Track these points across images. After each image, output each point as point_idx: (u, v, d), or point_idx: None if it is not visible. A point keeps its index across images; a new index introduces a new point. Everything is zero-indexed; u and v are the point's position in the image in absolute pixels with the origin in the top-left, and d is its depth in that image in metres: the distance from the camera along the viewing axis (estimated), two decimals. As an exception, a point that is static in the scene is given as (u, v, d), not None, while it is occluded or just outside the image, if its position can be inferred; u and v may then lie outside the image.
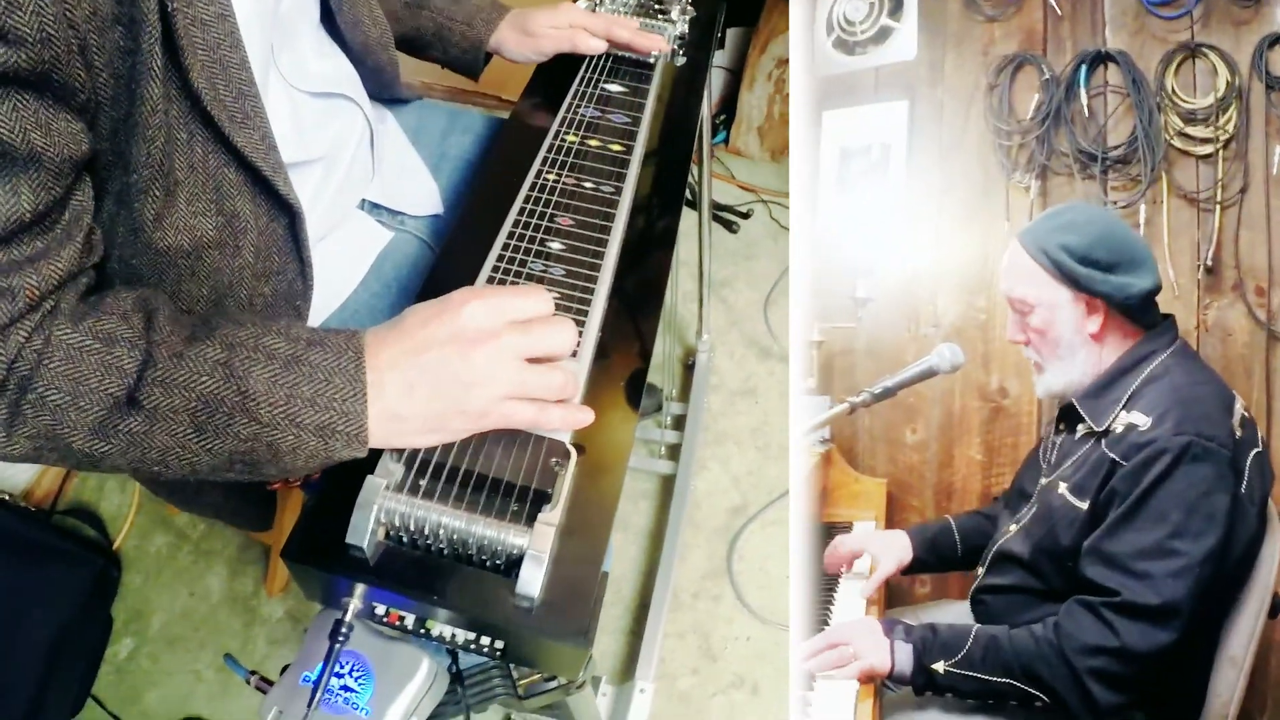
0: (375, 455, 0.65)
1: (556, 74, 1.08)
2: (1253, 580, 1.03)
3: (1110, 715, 1.01)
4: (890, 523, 1.59)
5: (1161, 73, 1.27)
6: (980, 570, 1.24)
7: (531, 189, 0.89)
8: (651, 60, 1.08)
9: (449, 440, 0.66)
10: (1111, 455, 1.04)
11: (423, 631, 0.67)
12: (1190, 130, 1.26)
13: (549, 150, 0.94)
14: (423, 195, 1.06)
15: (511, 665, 0.78)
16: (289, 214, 0.78)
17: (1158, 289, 1.08)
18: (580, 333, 0.75)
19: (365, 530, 0.61)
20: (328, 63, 0.92)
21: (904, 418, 1.63)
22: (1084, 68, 1.31)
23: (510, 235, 0.84)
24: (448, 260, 0.88)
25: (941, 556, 1.38)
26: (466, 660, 0.82)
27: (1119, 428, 1.06)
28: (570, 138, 0.96)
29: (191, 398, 0.60)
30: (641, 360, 0.79)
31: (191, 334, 0.62)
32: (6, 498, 1.56)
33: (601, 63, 1.08)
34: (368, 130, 0.95)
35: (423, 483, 0.65)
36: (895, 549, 1.37)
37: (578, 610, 0.62)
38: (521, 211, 0.86)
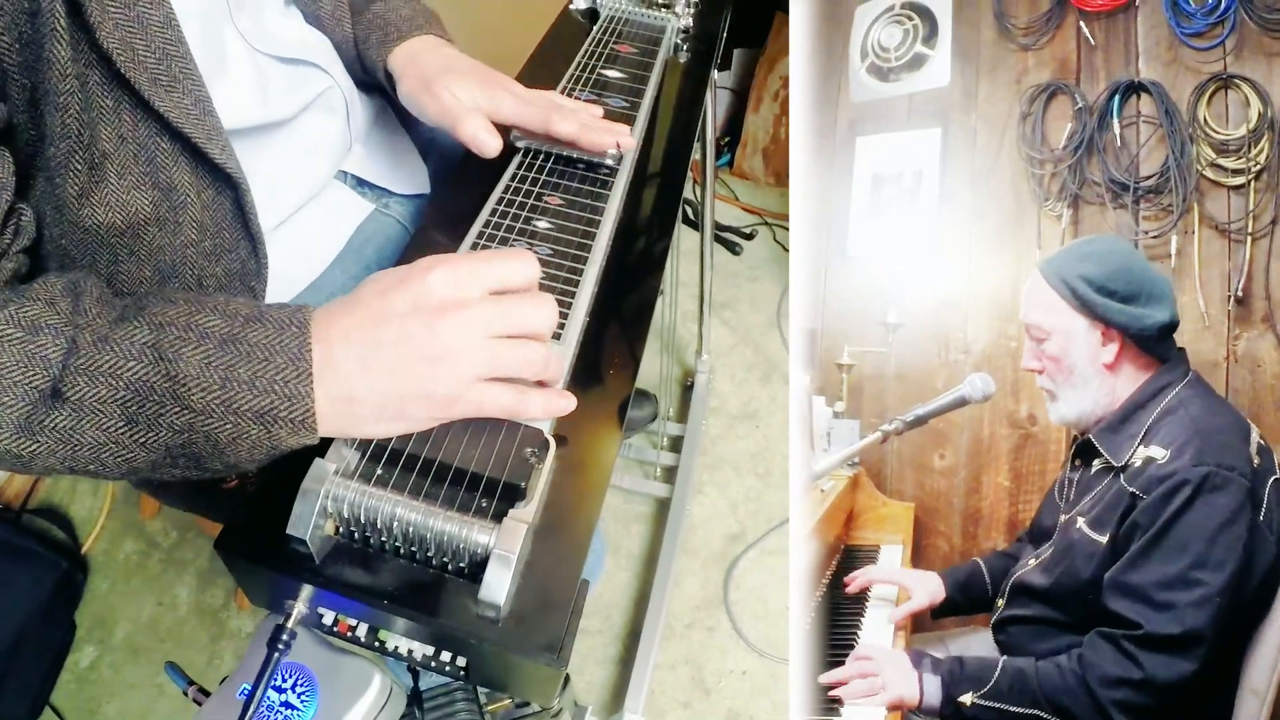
0: (330, 440, 0.57)
1: (554, 60, 1.02)
2: (1273, 610, 1.03)
3: None
4: (917, 548, 1.59)
5: (1194, 103, 1.27)
6: (1000, 602, 1.25)
7: (519, 167, 0.83)
8: (607, 161, 0.83)
9: (412, 430, 0.58)
10: (1131, 489, 1.05)
11: (377, 645, 0.59)
12: (1222, 161, 1.25)
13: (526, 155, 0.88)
14: (410, 174, 0.99)
15: (478, 687, 0.70)
16: (233, 188, 0.72)
17: (1174, 324, 1.08)
18: (566, 314, 0.68)
19: (309, 520, 0.53)
20: (291, 26, 0.86)
21: (933, 443, 1.61)
22: (1117, 97, 1.32)
23: (493, 213, 0.77)
24: (424, 236, 0.81)
25: (972, 598, 1.41)
26: (430, 681, 0.74)
27: (1137, 461, 1.07)
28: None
29: (119, 386, 0.52)
30: (632, 347, 0.72)
31: (120, 315, 0.55)
32: (-30, 494, 1.49)
33: (600, 48, 1.02)
34: (343, 103, 0.89)
35: (378, 470, 0.57)
36: (928, 587, 1.40)
37: (551, 623, 0.54)
38: (507, 189, 0.80)
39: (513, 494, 0.56)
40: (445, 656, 0.57)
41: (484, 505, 0.56)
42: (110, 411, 0.52)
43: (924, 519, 1.65)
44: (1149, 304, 1.07)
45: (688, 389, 2.00)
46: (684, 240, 2.22)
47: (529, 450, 0.58)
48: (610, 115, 0.89)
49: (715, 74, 1.24)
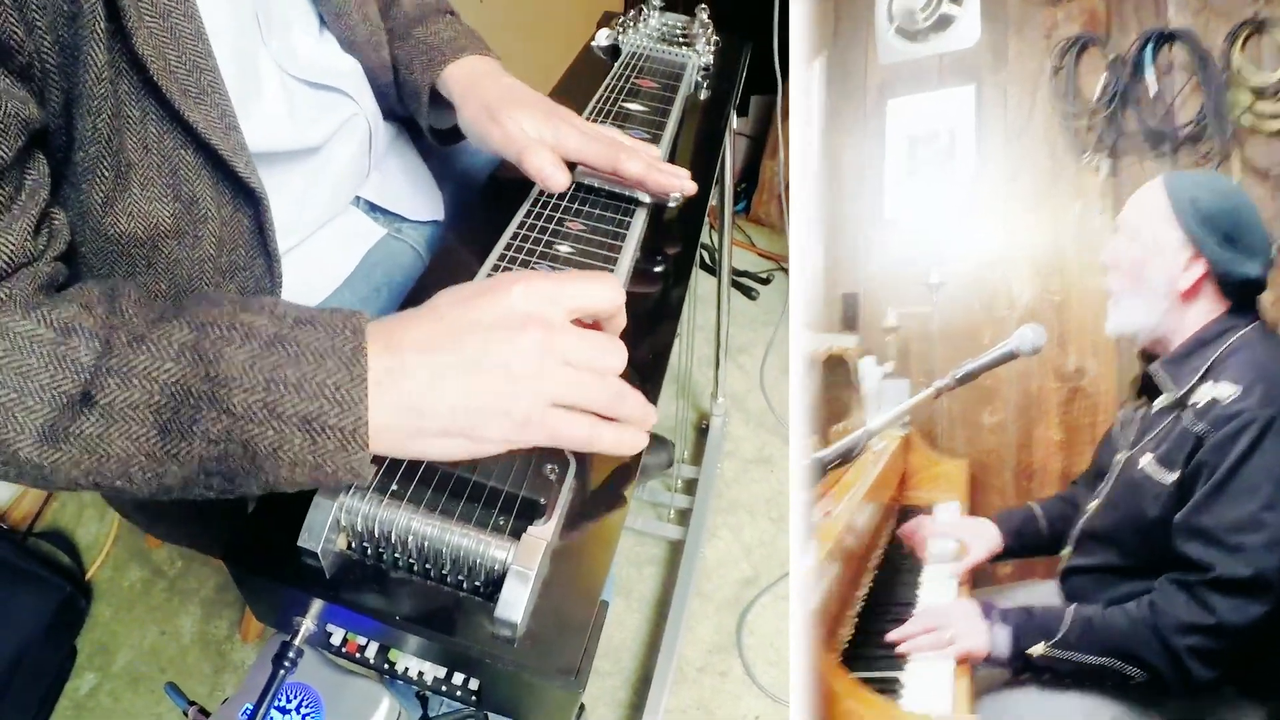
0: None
1: (575, 94, 1.01)
2: (1341, 550, 1.02)
3: (1205, 690, 1.01)
4: (974, 505, 1.56)
5: (1228, 49, 1.25)
6: (1068, 550, 1.25)
7: (540, 191, 0.82)
8: (670, 204, 0.85)
9: (475, 454, 0.53)
10: (1197, 428, 1.04)
11: (386, 666, 0.57)
12: (1260, 106, 1.25)
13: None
14: (425, 201, 0.99)
15: (490, 717, 0.68)
16: (254, 204, 0.71)
17: (1261, 284, 1.09)
18: None
19: (321, 532, 0.52)
20: (324, 52, 0.85)
21: (982, 400, 1.60)
22: (1149, 47, 1.31)
23: (514, 237, 0.76)
24: (442, 262, 0.80)
25: (1027, 544, 1.40)
26: (440, 709, 0.72)
27: (1202, 400, 1.06)
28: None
29: (154, 389, 0.49)
30: (651, 376, 0.70)
31: (160, 315, 0.52)
32: (-23, 514, 1.48)
33: (622, 83, 1.02)
34: (368, 133, 0.89)
35: (393, 485, 0.55)
36: (985, 537, 1.40)
37: (569, 644, 0.52)
38: (528, 214, 0.79)
39: (531, 511, 0.55)
40: (457, 679, 0.56)
41: (501, 522, 0.54)
42: (142, 418, 0.49)
43: (978, 476, 1.64)
44: (1244, 254, 1.07)
45: (702, 432, 1.98)
46: (700, 285, 2.22)
47: (549, 467, 0.56)
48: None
49: (734, 115, 1.24)
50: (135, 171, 0.63)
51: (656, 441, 1.84)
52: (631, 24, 1.12)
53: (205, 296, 0.55)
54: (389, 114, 0.95)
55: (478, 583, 0.53)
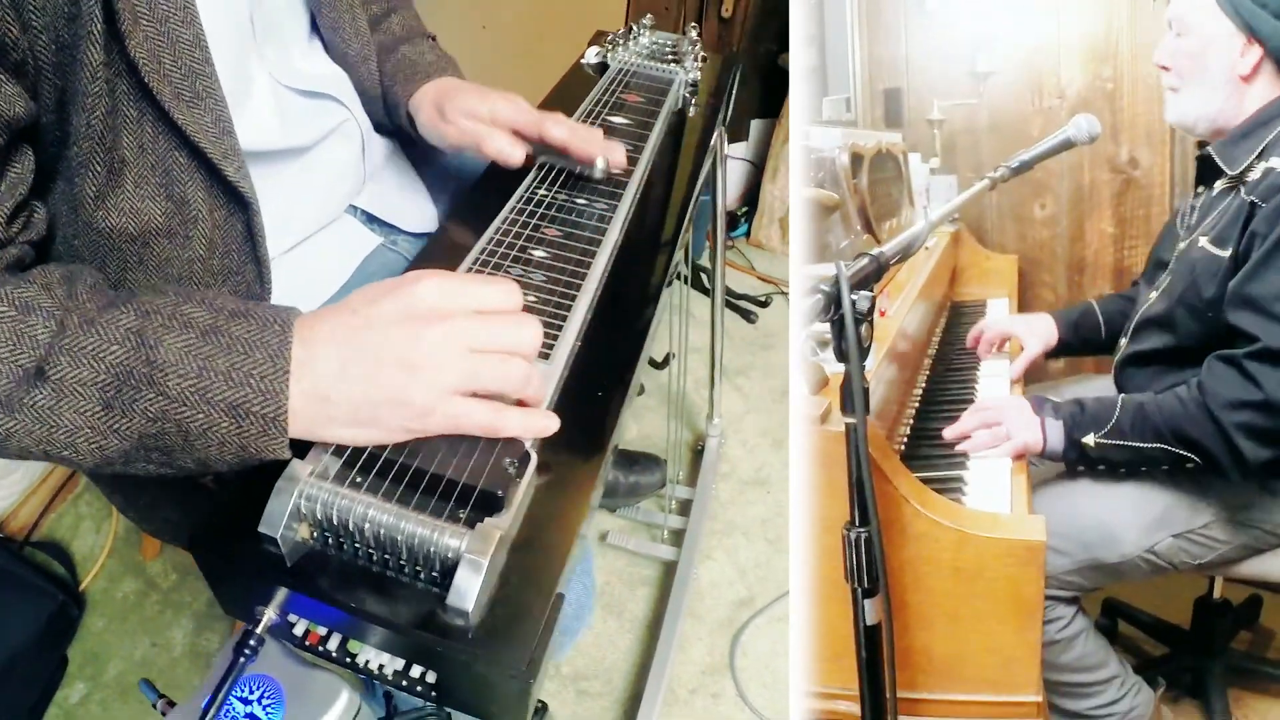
0: (309, 447, 0.57)
1: (561, 109, 1.03)
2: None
3: (1257, 472, 1.02)
4: (1023, 300, 1.54)
5: None
6: (1123, 342, 1.26)
7: (520, 200, 0.84)
8: (595, 173, 0.88)
9: (382, 440, 0.57)
10: (1251, 199, 1.04)
11: (348, 660, 0.58)
12: None
13: (542, 169, 0.90)
14: (420, 213, 1.01)
15: (451, 714, 0.68)
16: (245, 209, 0.73)
17: None
18: (556, 334, 0.68)
19: (280, 519, 0.52)
20: (316, 64, 0.89)
21: (1032, 193, 1.57)
22: None
23: (489, 240, 0.78)
24: (421, 263, 0.82)
25: (1085, 339, 1.42)
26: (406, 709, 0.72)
27: (1257, 173, 1.07)
28: None
29: (100, 369, 0.54)
30: (622, 374, 0.71)
31: (110, 302, 0.57)
32: (-25, 521, 1.50)
33: (607, 96, 1.03)
34: (360, 138, 0.91)
35: (355, 475, 0.56)
36: (1041, 332, 1.41)
37: (522, 635, 0.53)
38: (505, 220, 0.81)
39: (490, 503, 0.55)
40: (415, 672, 0.56)
41: (460, 514, 0.55)
42: (89, 395, 0.53)
43: (1028, 271, 1.62)
44: None
45: (698, 453, 1.98)
46: (697, 307, 2.23)
47: (509, 461, 0.57)
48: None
49: (725, 135, 1.26)
50: (129, 169, 0.66)
51: (649, 461, 1.84)
52: (621, 41, 1.14)
53: (154, 287, 0.58)
54: (380, 126, 0.97)
55: (434, 572, 0.54)
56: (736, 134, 2.51)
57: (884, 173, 1.55)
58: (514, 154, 0.86)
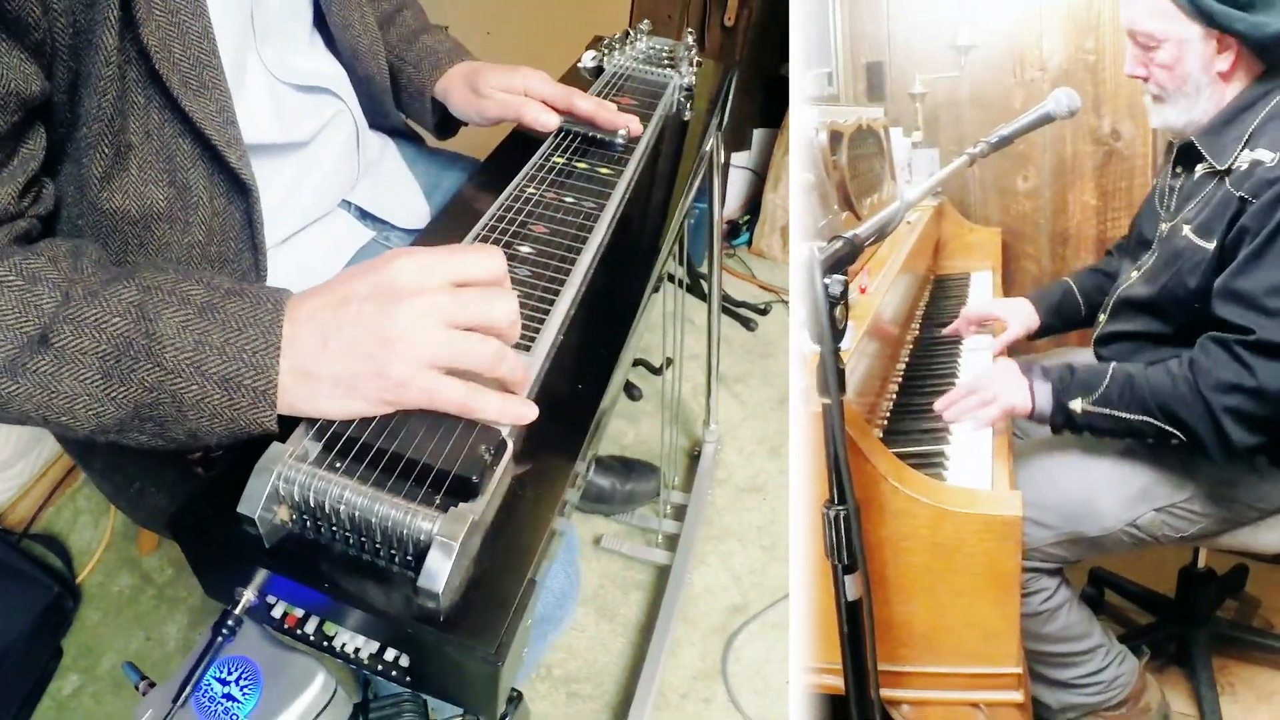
0: (290, 431, 0.58)
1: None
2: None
3: (1241, 455, 1.02)
4: (1007, 273, 1.53)
5: None
6: (1102, 318, 1.25)
7: (508, 198, 0.86)
8: (619, 140, 0.97)
9: (365, 411, 0.59)
10: (1239, 193, 1.03)
11: (325, 643, 0.59)
12: None
13: (534, 167, 0.92)
14: (412, 210, 1.03)
15: (427, 701, 0.69)
16: (245, 197, 0.75)
17: None
18: (539, 326, 0.69)
19: (259, 499, 0.53)
20: (316, 61, 0.91)
21: (1015, 166, 1.56)
22: None
23: (475, 236, 0.79)
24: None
25: (1067, 319, 1.42)
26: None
27: (1243, 165, 1.06)
28: (557, 159, 0.94)
29: (101, 339, 0.56)
30: (603, 368, 0.72)
31: (113, 276, 0.59)
32: (-27, 511, 1.51)
33: (609, 88, 1.05)
34: (354, 131, 0.93)
35: (334, 459, 0.57)
36: (1022, 315, 1.41)
37: (492, 619, 0.53)
38: (493, 217, 0.83)
39: (464, 488, 0.56)
40: (390, 656, 0.57)
41: (435, 499, 0.56)
42: (89, 363, 0.55)
43: (1012, 243, 1.61)
44: (1267, 10, 1.05)
45: (694, 459, 1.98)
46: (696, 313, 2.23)
47: (485, 448, 0.58)
48: (605, 157, 0.95)
49: (722, 141, 1.26)
50: (135, 153, 0.68)
51: (645, 469, 1.85)
52: (618, 46, 1.15)
53: (154, 264, 0.60)
54: (376, 123, 0.99)
55: (408, 555, 0.55)
56: (739, 143, 2.52)
57: (865, 148, 1.55)
58: (550, 121, 0.96)
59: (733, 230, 2.60)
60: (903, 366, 1.37)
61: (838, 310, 0.75)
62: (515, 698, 0.66)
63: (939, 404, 1.15)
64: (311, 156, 0.89)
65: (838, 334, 0.75)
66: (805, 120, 1.31)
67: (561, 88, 0.98)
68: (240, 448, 0.60)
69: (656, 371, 2.16)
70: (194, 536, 0.57)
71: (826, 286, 0.74)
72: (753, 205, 2.59)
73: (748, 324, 2.34)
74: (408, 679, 0.58)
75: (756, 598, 1.74)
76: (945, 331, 1.51)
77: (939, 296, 1.66)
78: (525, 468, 0.62)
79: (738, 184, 2.60)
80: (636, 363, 2.16)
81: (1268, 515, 1.17)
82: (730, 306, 2.36)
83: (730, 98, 1.25)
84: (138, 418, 0.58)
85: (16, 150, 0.62)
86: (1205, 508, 1.13)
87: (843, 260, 0.80)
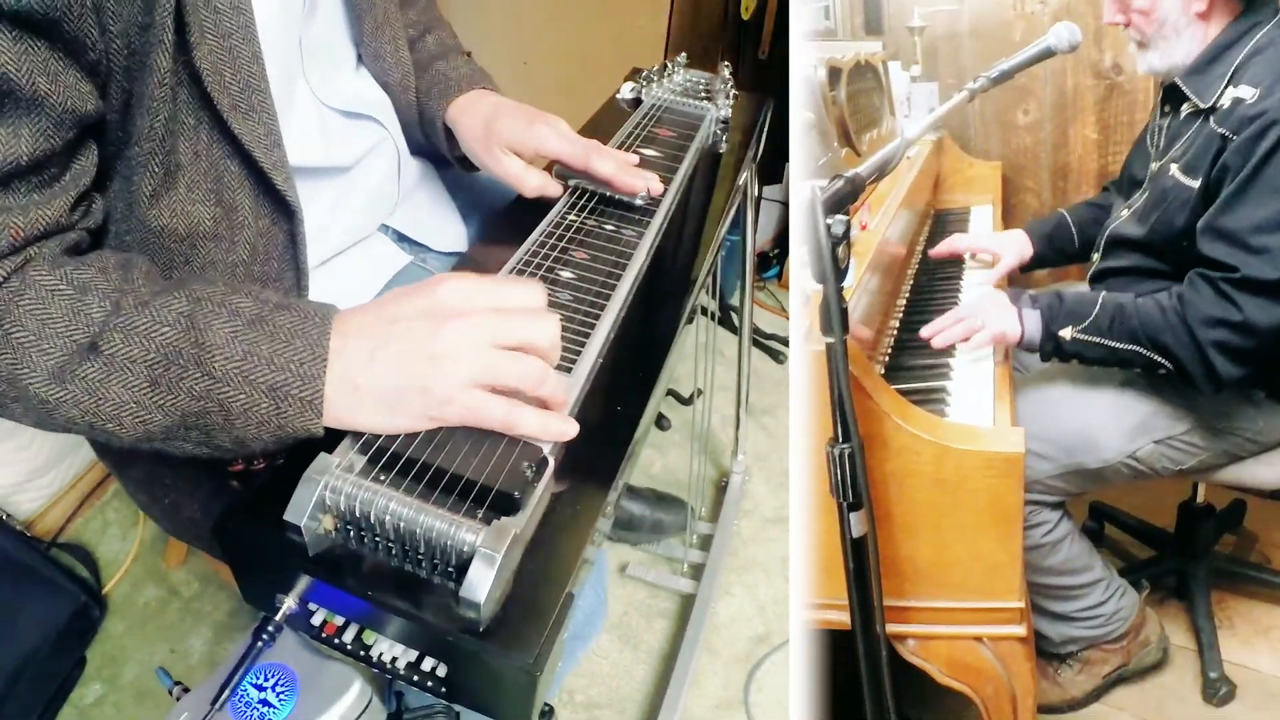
0: (337, 442, 0.59)
1: (598, 139, 1.06)
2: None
3: (1231, 386, 1.03)
4: (1007, 207, 1.50)
5: None
6: (1095, 256, 1.26)
7: (550, 223, 0.87)
8: (638, 202, 0.92)
9: (408, 427, 0.60)
10: (1221, 131, 1.04)
11: (362, 652, 0.59)
12: None
13: (573, 194, 0.93)
14: (450, 233, 1.04)
15: (460, 713, 0.69)
16: (289, 218, 0.77)
17: None
18: (580, 347, 0.70)
19: (305, 508, 0.54)
20: (362, 87, 0.93)
21: (1016, 99, 1.54)
22: None
23: (518, 261, 0.81)
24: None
25: (1059, 250, 1.43)
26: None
27: (1225, 102, 1.06)
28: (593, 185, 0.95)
29: (150, 348, 0.57)
30: (643, 391, 0.73)
31: (163, 288, 0.61)
32: (4, 516, 1.53)
33: (639, 130, 1.06)
34: (396, 157, 0.94)
35: (379, 472, 0.58)
36: (1015, 245, 1.42)
37: (531, 631, 0.54)
38: (535, 241, 0.84)
39: (506, 504, 0.57)
40: (427, 665, 0.57)
41: (477, 512, 0.57)
42: (138, 371, 0.57)
43: (1012, 177, 1.59)
44: None
45: (721, 489, 1.98)
46: (726, 345, 2.24)
47: (526, 464, 0.59)
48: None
49: (756, 174, 1.27)
50: (183, 173, 0.70)
51: (674, 502, 1.85)
52: (656, 78, 1.17)
53: (203, 277, 0.61)
54: (417, 150, 1.01)
55: (450, 566, 0.55)
56: (771, 175, 2.53)
57: (863, 84, 1.55)
58: (551, 193, 0.93)
59: (763, 262, 2.61)
60: (903, 302, 1.36)
61: (840, 249, 0.75)
62: (547, 712, 0.67)
63: (926, 330, 1.15)
64: (353, 181, 0.90)
65: (840, 274, 0.75)
66: (804, 56, 1.31)
67: (580, 144, 0.91)
68: (285, 459, 0.61)
69: (686, 402, 2.16)
70: (238, 542, 0.57)
71: (829, 227, 0.74)
72: (783, 238, 2.60)
73: (776, 356, 2.35)
74: (443, 689, 0.58)
75: (780, 629, 1.73)
76: (931, 253, 1.50)
77: (939, 231, 1.66)
78: (564, 485, 0.62)
79: (768, 216, 2.60)
80: (666, 393, 2.16)
81: (1266, 449, 1.18)
82: (759, 339, 2.36)
83: (765, 130, 1.26)
84: (184, 426, 0.59)
85: (69, 165, 0.63)
86: (1204, 440, 1.14)
87: (844, 199, 0.79)
